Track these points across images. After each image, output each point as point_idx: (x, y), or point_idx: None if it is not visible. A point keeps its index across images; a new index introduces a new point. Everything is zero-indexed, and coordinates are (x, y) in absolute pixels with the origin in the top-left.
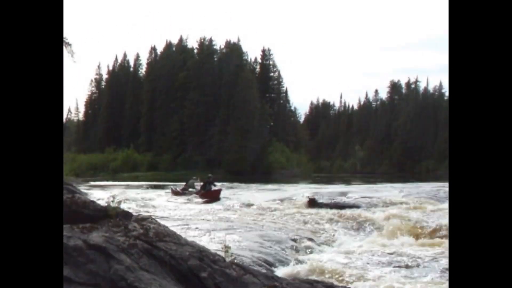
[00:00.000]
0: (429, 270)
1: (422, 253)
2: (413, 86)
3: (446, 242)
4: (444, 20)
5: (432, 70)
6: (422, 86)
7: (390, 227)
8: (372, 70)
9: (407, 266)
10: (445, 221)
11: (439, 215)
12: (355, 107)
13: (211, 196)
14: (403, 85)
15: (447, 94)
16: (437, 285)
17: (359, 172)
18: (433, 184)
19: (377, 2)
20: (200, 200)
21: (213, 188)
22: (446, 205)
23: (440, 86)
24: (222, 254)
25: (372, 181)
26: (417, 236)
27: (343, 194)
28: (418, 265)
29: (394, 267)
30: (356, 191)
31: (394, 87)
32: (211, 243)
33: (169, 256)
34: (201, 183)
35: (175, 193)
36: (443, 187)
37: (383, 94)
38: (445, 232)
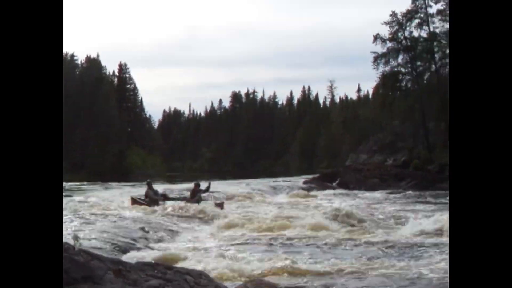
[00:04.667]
0: (262, 249)
1: (259, 236)
2: (251, 96)
3: (276, 227)
4: (276, 39)
5: (267, 82)
6: (259, 96)
7: (231, 217)
8: (217, 82)
9: (243, 249)
10: (276, 211)
11: (269, 205)
12: (203, 114)
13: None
14: (243, 95)
15: (280, 102)
16: (281, 260)
17: (206, 170)
18: (269, 179)
19: (219, 22)
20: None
21: (203, 195)
22: (277, 198)
23: (274, 95)
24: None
25: (218, 178)
26: (253, 225)
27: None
28: (251, 246)
29: (232, 249)
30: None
31: (236, 97)
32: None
33: None
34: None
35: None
36: (276, 182)
37: (226, 103)
38: (282, 221)
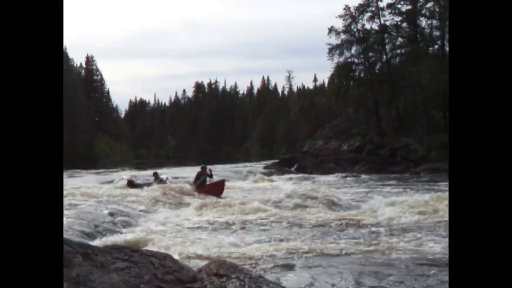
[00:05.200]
0: (229, 232)
1: (225, 219)
2: (213, 86)
3: (239, 210)
4: (236, 31)
5: (229, 72)
6: (221, 86)
7: (200, 201)
8: (180, 73)
9: (214, 230)
10: (240, 194)
11: (233, 191)
12: (167, 104)
13: (213, 191)
14: (206, 85)
15: (241, 92)
16: (235, 247)
17: (172, 157)
18: (231, 165)
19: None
20: (199, 197)
21: (210, 180)
22: (240, 183)
23: (235, 85)
24: None
25: (182, 164)
26: (216, 207)
27: (156, 175)
28: (219, 229)
29: (204, 231)
30: (167, 173)
31: (199, 87)
32: None
33: None
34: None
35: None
36: (237, 167)
37: (190, 93)
38: (241, 206)
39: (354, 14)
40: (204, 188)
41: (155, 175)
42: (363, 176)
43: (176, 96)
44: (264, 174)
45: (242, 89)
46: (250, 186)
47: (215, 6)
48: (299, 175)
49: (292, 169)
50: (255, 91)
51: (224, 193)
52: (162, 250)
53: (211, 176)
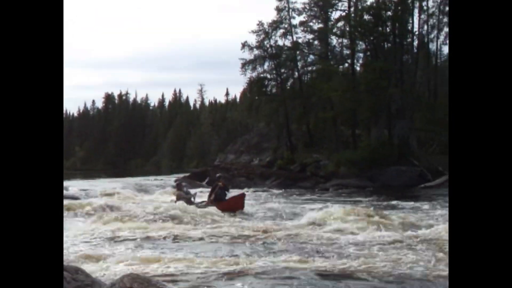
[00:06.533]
0: (135, 243)
1: (131, 233)
2: (124, 97)
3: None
4: (148, 43)
5: (140, 84)
6: (131, 97)
7: (104, 214)
8: (90, 83)
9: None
10: (149, 207)
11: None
12: (75, 114)
13: (232, 206)
14: (116, 96)
15: (152, 104)
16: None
17: (79, 169)
18: (141, 178)
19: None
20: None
21: (228, 194)
22: (149, 196)
23: (146, 97)
24: None
25: (90, 177)
26: (127, 221)
27: (65, 188)
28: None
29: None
30: (76, 185)
31: (108, 98)
32: None
33: None
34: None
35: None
36: (147, 180)
37: (99, 104)
38: (148, 217)
39: (267, 30)
40: (224, 203)
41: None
42: (273, 190)
43: (85, 107)
44: (176, 188)
45: (153, 101)
46: (156, 197)
47: (126, 17)
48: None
49: (204, 183)
50: (166, 103)
51: (136, 206)
52: (72, 264)
53: (227, 189)
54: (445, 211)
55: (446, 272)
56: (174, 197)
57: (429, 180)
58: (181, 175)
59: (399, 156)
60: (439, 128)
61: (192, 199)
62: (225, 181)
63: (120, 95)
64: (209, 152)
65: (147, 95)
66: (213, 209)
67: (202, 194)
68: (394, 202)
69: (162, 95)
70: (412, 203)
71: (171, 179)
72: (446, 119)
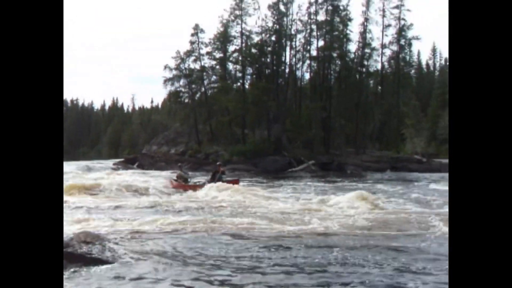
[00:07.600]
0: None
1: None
2: (75, 102)
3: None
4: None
5: (86, 92)
6: (80, 102)
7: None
8: None
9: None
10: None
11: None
12: None
13: (232, 183)
14: (69, 101)
15: (96, 107)
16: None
17: None
18: (88, 161)
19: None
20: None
21: (225, 178)
22: (97, 174)
23: (92, 102)
24: None
25: None
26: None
27: None
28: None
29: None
30: None
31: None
32: None
33: None
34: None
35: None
36: (92, 164)
37: None
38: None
39: (183, 57)
40: (224, 182)
41: (219, 168)
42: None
43: None
44: (113, 169)
45: (97, 105)
46: (102, 176)
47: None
48: (139, 171)
49: (134, 166)
50: (106, 107)
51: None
52: None
53: (224, 174)
54: (304, 185)
55: (316, 227)
56: (174, 176)
57: (294, 166)
58: (117, 160)
59: (274, 149)
60: (302, 130)
61: (189, 179)
62: (222, 167)
63: (72, 100)
64: (138, 143)
65: (92, 101)
66: (219, 183)
67: (133, 174)
68: (268, 182)
69: (104, 101)
70: (282, 181)
71: (110, 163)
72: (307, 123)
